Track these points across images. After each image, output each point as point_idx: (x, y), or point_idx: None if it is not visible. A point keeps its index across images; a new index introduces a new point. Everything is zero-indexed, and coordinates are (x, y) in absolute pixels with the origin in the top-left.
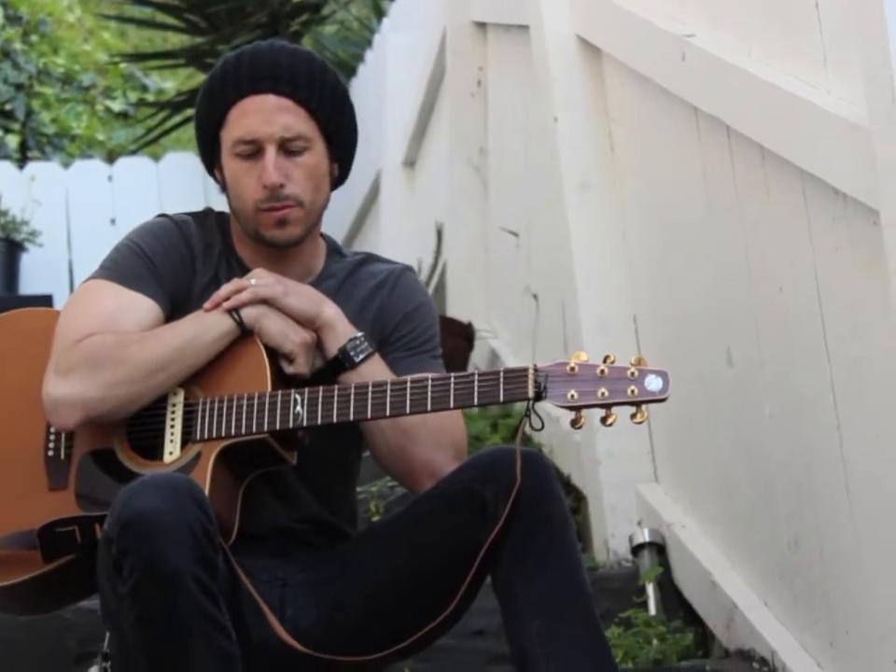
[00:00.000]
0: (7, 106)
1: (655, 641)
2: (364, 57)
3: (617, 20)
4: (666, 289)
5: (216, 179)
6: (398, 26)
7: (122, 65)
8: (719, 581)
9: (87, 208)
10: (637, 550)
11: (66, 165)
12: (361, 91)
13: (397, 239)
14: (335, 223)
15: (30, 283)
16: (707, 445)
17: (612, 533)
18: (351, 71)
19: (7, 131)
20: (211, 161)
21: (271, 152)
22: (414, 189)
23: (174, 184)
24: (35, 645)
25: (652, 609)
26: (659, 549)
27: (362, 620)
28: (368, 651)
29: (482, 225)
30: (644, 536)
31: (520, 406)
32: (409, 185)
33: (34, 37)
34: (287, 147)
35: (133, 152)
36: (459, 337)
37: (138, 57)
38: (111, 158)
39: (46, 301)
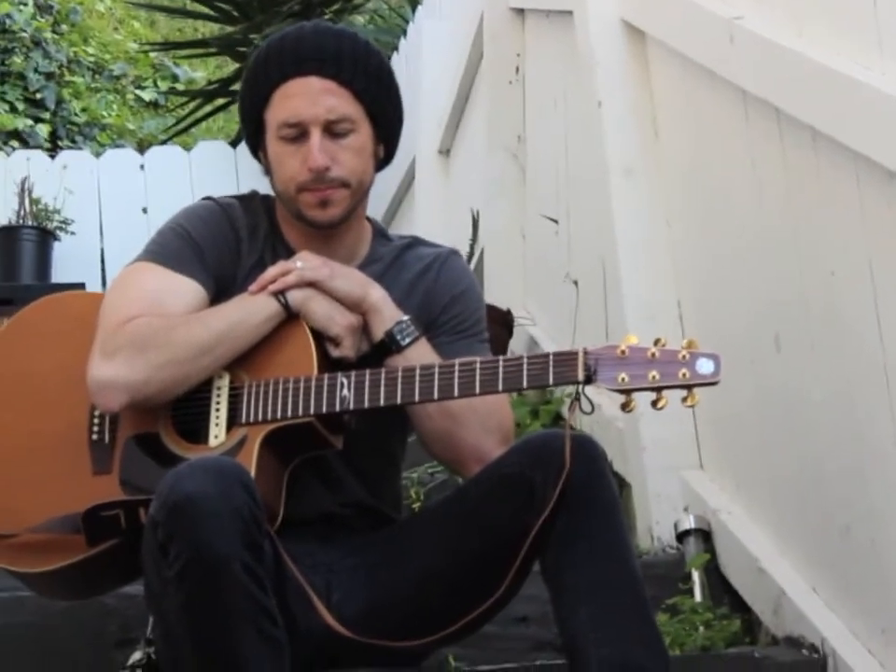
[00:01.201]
0: (38, 96)
1: (702, 628)
2: (398, 45)
3: (663, 3)
4: (712, 275)
5: (260, 161)
6: (432, 14)
7: (153, 54)
8: (766, 567)
9: (119, 197)
10: (682, 536)
11: (98, 154)
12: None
13: (431, 227)
14: (370, 210)
15: (62, 271)
16: (754, 431)
17: (657, 520)
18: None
19: (38, 120)
20: (255, 142)
21: (316, 135)
22: (449, 177)
23: (205, 173)
24: (76, 630)
25: (699, 596)
26: (705, 535)
27: (408, 605)
28: (414, 637)
29: (519, 212)
30: (690, 522)
31: (560, 392)
32: (444, 173)
33: (64, 27)
34: (332, 130)
35: (164, 141)
36: (498, 324)
37: (169, 46)
38: (142, 147)
39: (78, 289)
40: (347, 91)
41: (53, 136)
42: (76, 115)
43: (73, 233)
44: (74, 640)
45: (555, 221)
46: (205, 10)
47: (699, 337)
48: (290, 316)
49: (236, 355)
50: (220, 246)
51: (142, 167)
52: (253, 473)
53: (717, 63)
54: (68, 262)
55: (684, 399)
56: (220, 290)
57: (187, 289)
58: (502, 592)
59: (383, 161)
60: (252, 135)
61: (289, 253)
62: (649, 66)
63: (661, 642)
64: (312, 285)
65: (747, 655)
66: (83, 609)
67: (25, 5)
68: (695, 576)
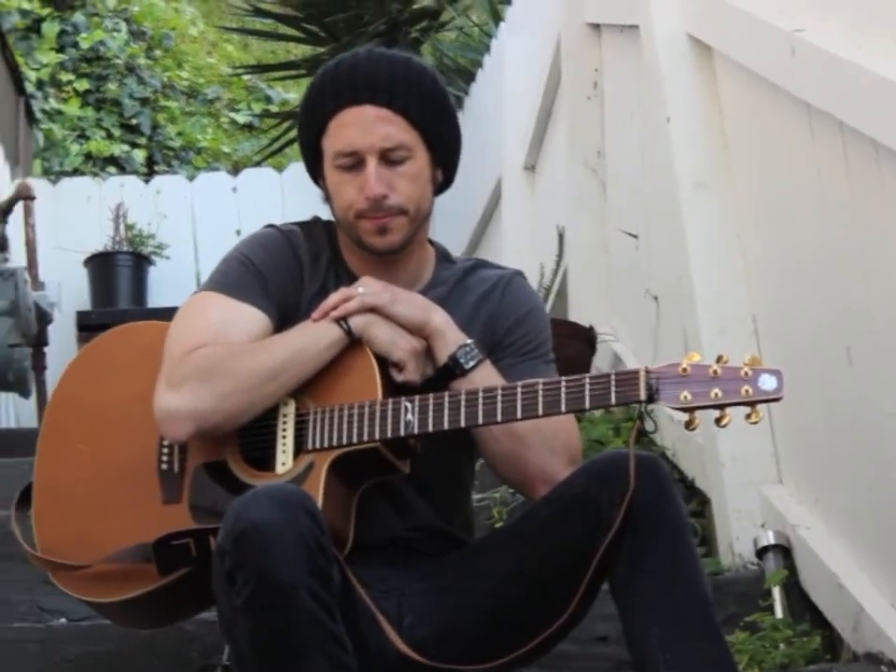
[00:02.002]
0: (133, 121)
1: (782, 646)
2: (483, 63)
3: (727, 17)
4: (784, 288)
5: (320, 188)
6: (515, 30)
7: (246, 77)
8: (845, 582)
9: (212, 220)
10: (762, 553)
11: (191, 178)
12: (480, 96)
13: (519, 244)
14: (458, 229)
15: (158, 296)
16: (829, 445)
17: (737, 536)
18: (470, 77)
19: (134, 145)
20: (315, 170)
21: (372, 163)
22: (535, 193)
23: (297, 194)
24: (158, 657)
25: (779, 613)
26: (784, 551)
27: (480, 628)
28: (485, 660)
29: (601, 228)
30: (769, 538)
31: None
32: (530, 189)
33: (157, 52)
34: (388, 157)
35: (258, 163)
36: (581, 341)
37: (261, 68)
38: (236, 169)
39: (173, 313)
40: (402, 118)
41: (149, 161)
42: (171, 139)
43: (168, 258)
44: (155, 667)
45: (634, 236)
46: (294, 32)
47: (774, 351)
48: (354, 342)
49: (301, 382)
50: (283, 274)
51: (234, 190)
52: (320, 499)
53: (780, 77)
54: (164, 286)
55: (748, 416)
56: (284, 318)
57: (250, 318)
58: (570, 613)
59: (442, 184)
60: (311, 163)
61: (352, 279)
62: (716, 80)
63: (731, 662)
64: (374, 310)
65: None
66: (164, 635)
67: (119, 31)
68: (775, 593)
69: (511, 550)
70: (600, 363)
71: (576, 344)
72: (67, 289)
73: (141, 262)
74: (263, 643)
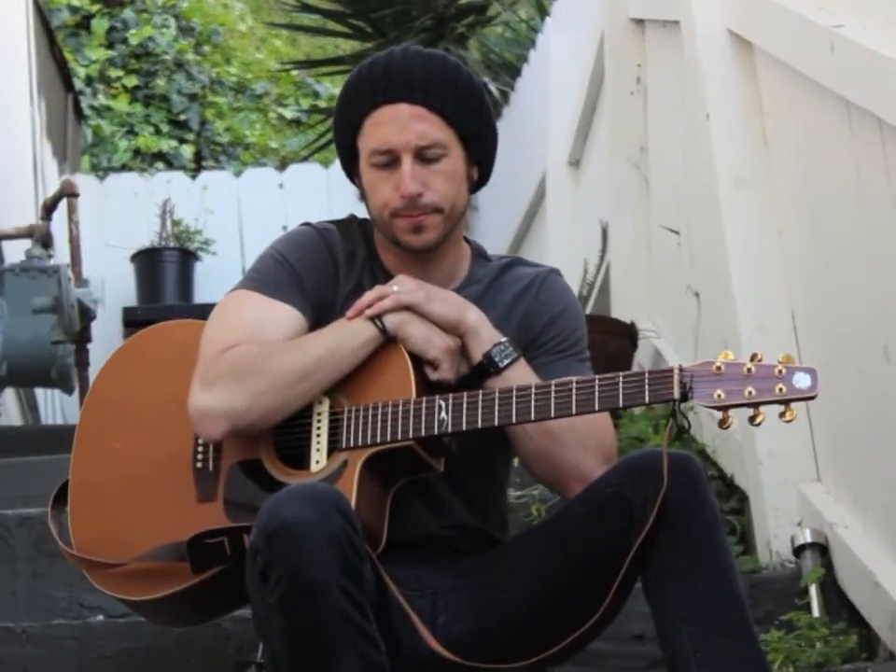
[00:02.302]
0: (182, 117)
1: (818, 644)
2: (528, 58)
3: (767, 12)
4: (823, 286)
5: (357, 186)
6: (560, 25)
7: (294, 73)
8: (882, 581)
9: (259, 216)
10: (799, 551)
11: (238, 174)
12: (526, 91)
13: (563, 239)
14: (503, 224)
15: (204, 291)
16: (867, 443)
17: (775, 534)
18: (516, 72)
19: (182, 141)
20: (350, 168)
21: (407, 162)
22: (580, 189)
23: (344, 189)
24: (194, 654)
25: (816, 611)
26: (822, 549)
27: (513, 626)
28: (519, 658)
29: (644, 223)
30: (806, 536)
31: (684, 407)
32: (574, 184)
33: (206, 48)
34: (424, 155)
35: (305, 158)
36: (623, 337)
37: (308, 64)
38: (283, 165)
39: None
40: (437, 116)
41: (197, 157)
42: (219, 135)
43: (214, 253)
44: (192, 664)
45: (676, 232)
46: (341, 28)
47: (814, 349)
48: (388, 341)
49: (335, 380)
50: (318, 272)
51: (281, 185)
52: (354, 497)
53: (819, 73)
54: (210, 282)
55: (782, 415)
56: (319, 316)
57: (285, 316)
58: (603, 611)
59: (478, 182)
60: (347, 162)
61: (387, 277)
62: (757, 76)
63: (763, 661)
64: (409, 308)
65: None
66: (200, 633)
67: (168, 27)
68: (812, 591)
69: (545, 548)
70: (642, 359)
71: (617, 341)
72: (114, 285)
73: (187, 258)
74: (296, 641)
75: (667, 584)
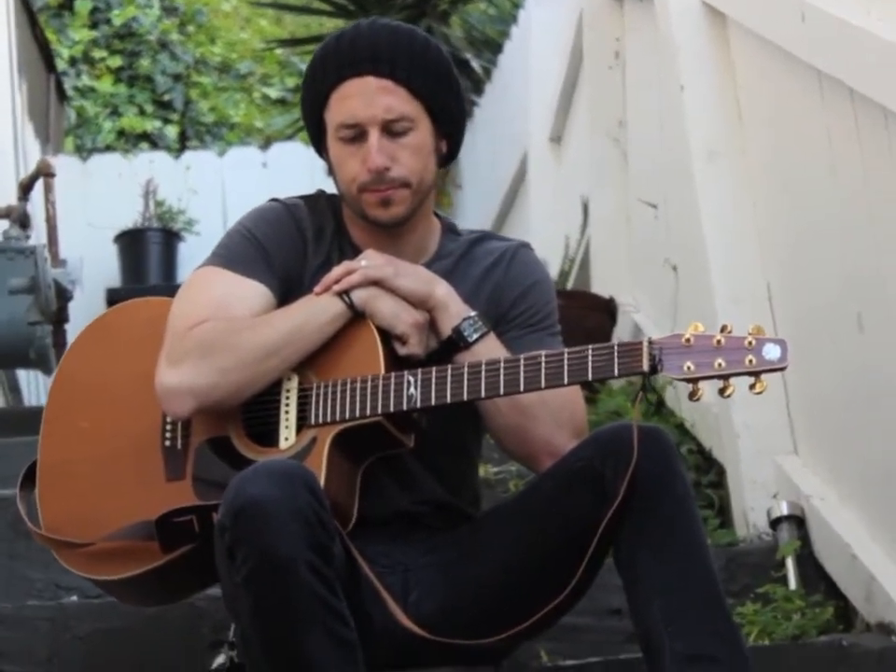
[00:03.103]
0: (166, 97)
1: (795, 616)
2: (511, 34)
3: None
4: (797, 256)
5: (325, 160)
6: (541, 1)
7: (279, 52)
8: (858, 553)
9: (242, 195)
10: (775, 523)
11: (221, 154)
12: (508, 68)
13: (546, 215)
14: (486, 200)
15: (188, 271)
16: (842, 414)
17: (752, 506)
18: (499, 48)
19: (167, 121)
20: (319, 143)
21: (374, 135)
22: (561, 165)
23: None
24: (168, 633)
25: (792, 584)
26: (798, 522)
27: (485, 602)
28: (491, 634)
29: (623, 198)
30: (782, 509)
31: (662, 380)
32: (556, 160)
33: (190, 28)
34: (391, 129)
35: (289, 137)
36: (602, 312)
37: (292, 42)
38: (267, 144)
39: None
40: (404, 89)
41: (182, 137)
42: (203, 115)
43: (198, 234)
44: (166, 644)
45: (654, 206)
46: (324, 7)
47: (788, 319)
48: (357, 316)
49: (303, 356)
50: (286, 248)
51: (265, 165)
52: (323, 474)
53: (791, 43)
54: (194, 262)
55: (752, 387)
56: (287, 292)
57: (253, 293)
58: (574, 585)
59: (447, 156)
60: (315, 136)
61: (356, 252)
62: (730, 48)
63: (736, 634)
64: (377, 283)
65: (835, 643)
66: (175, 612)
67: (151, 7)
68: (789, 563)
69: (516, 523)
70: (621, 334)
71: (596, 316)
72: (97, 266)
73: (171, 238)
74: (264, 619)
75: (638, 558)
